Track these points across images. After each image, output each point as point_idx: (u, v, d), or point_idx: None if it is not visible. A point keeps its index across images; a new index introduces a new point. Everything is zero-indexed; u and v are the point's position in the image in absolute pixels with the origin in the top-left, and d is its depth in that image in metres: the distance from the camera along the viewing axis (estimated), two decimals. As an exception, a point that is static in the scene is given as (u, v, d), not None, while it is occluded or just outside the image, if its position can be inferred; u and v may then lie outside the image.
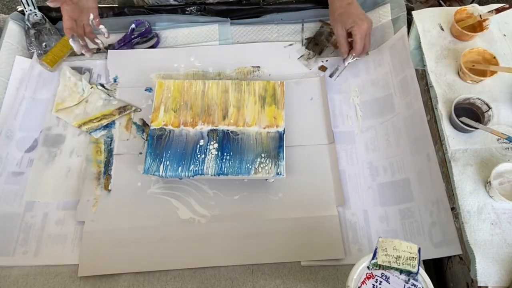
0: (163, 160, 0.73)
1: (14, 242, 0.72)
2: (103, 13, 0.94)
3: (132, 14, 0.95)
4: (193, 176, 0.73)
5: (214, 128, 0.77)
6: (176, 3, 0.97)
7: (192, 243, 0.72)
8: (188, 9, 0.95)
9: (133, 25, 0.92)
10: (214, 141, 0.75)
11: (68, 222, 0.74)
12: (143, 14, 0.94)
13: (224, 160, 0.73)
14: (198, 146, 0.75)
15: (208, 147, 0.75)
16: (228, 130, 0.77)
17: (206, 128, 0.77)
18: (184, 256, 0.71)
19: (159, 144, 0.75)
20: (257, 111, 0.79)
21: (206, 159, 0.73)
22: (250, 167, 0.73)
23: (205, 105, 0.79)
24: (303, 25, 0.95)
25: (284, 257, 0.70)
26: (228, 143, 0.75)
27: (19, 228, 0.73)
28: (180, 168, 0.73)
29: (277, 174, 0.72)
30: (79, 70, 0.90)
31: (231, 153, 0.74)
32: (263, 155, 0.74)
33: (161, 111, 0.78)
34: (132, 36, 0.92)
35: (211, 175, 0.72)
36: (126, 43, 0.92)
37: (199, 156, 0.74)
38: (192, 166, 0.73)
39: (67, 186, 0.77)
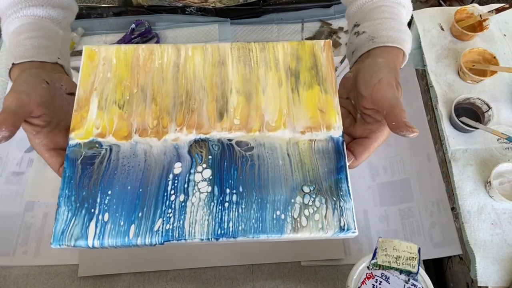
0: (97, 211, 0.39)
1: (14, 242, 0.72)
2: (103, 13, 0.94)
3: (132, 14, 0.95)
4: (161, 244, 0.39)
5: (203, 136, 0.43)
6: (172, 4, 0.97)
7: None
8: (188, 9, 0.95)
9: (133, 25, 0.92)
10: (204, 165, 0.41)
11: (68, 222, 0.74)
12: (143, 14, 0.94)
13: (226, 205, 0.39)
14: (171, 176, 0.40)
15: (190, 177, 0.40)
16: (231, 140, 0.43)
17: (186, 137, 0.43)
18: (184, 256, 0.71)
19: (86, 178, 0.40)
20: (285, 100, 0.45)
21: (189, 204, 0.39)
22: (282, 217, 0.39)
23: (181, 92, 0.45)
24: (303, 25, 0.95)
25: (284, 257, 0.70)
26: (232, 168, 0.41)
27: (19, 228, 0.73)
28: (133, 227, 0.38)
29: (342, 229, 0.39)
30: (79, 70, 0.89)
31: (241, 189, 0.40)
32: (306, 188, 0.40)
33: (91, 106, 0.44)
34: (132, 36, 0.92)
35: (201, 239, 0.38)
36: (126, 43, 0.92)
37: (173, 198, 0.39)
38: (160, 221, 0.39)
39: (67, 186, 0.77)
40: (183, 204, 0.39)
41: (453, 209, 0.68)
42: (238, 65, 0.46)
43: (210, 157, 0.41)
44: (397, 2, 0.52)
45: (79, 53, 0.91)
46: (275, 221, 0.39)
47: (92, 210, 0.39)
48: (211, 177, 0.40)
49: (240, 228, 0.38)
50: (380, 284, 0.51)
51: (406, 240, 0.53)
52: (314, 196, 0.40)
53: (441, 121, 0.71)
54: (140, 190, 0.40)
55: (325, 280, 0.69)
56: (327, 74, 0.46)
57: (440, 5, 1.14)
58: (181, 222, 0.38)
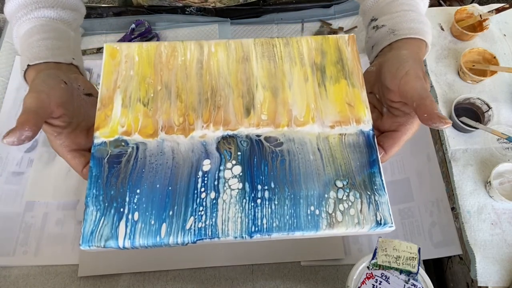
0: (126, 210, 0.38)
1: (14, 242, 0.72)
2: (103, 13, 0.94)
3: (132, 14, 0.95)
4: (194, 242, 0.38)
5: (231, 133, 0.42)
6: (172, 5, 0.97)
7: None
8: (188, 9, 0.95)
9: (133, 25, 0.92)
10: (234, 161, 0.41)
11: (68, 222, 0.74)
12: (143, 14, 0.94)
13: (258, 201, 0.39)
14: (200, 173, 0.40)
15: (220, 174, 0.40)
16: (259, 136, 0.42)
17: (213, 134, 0.42)
18: (184, 256, 0.71)
19: (114, 177, 0.40)
20: (312, 95, 0.44)
21: (220, 201, 0.39)
22: (317, 212, 0.38)
23: (206, 88, 0.44)
24: (303, 25, 0.95)
25: (284, 257, 0.70)
26: (263, 164, 0.40)
27: (19, 228, 0.73)
28: (164, 226, 0.37)
29: (378, 223, 0.39)
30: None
31: (272, 185, 0.39)
32: (339, 183, 0.40)
33: (115, 105, 0.43)
34: (132, 36, 0.92)
35: (235, 237, 0.37)
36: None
37: (203, 196, 0.39)
38: (191, 220, 0.38)
39: (67, 186, 0.77)
40: (214, 201, 0.38)
41: (453, 209, 0.68)
42: (263, 61, 0.46)
43: (239, 153, 0.41)
44: None
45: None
46: (309, 217, 0.38)
47: (122, 210, 0.38)
48: (241, 174, 0.40)
49: (274, 224, 0.38)
50: (380, 284, 0.51)
51: (406, 240, 0.53)
52: (348, 191, 0.39)
53: (441, 121, 0.71)
54: (170, 188, 0.39)
55: (325, 280, 0.69)
56: (353, 68, 0.46)
57: (440, 5, 1.14)
58: (214, 220, 0.38)
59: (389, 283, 0.51)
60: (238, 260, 0.70)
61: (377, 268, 0.52)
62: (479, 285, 0.60)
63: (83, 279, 0.69)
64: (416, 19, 0.48)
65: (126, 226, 0.37)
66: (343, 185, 0.40)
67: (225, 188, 0.39)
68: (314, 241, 0.71)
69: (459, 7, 0.79)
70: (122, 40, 0.92)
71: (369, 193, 0.39)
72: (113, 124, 0.42)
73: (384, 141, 0.44)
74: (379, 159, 0.42)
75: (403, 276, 0.52)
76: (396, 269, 0.52)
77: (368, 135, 0.42)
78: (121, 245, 0.37)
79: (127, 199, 0.38)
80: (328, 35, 0.48)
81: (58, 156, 0.79)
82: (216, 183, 0.39)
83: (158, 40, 0.93)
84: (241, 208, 0.38)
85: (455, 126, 0.70)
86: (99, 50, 0.92)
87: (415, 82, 0.41)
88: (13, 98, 0.84)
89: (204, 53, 0.46)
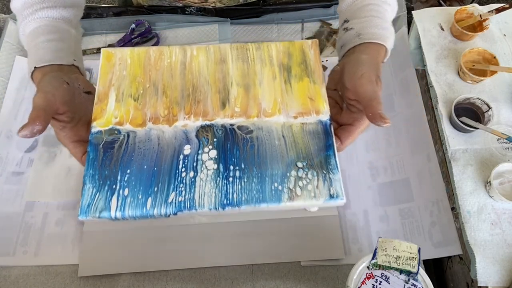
0: (118, 187, 0.44)
1: (14, 242, 0.72)
2: (103, 13, 0.94)
3: (132, 14, 0.95)
4: (175, 214, 0.44)
5: (208, 122, 0.49)
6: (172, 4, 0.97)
7: (192, 243, 0.72)
8: (188, 9, 0.95)
9: (133, 25, 0.92)
10: (210, 146, 0.47)
11: (68, 222, 0.74)
12: (143, 14, 0.94)
13: (230, 179, 0.45)
14: (182, 156, 0.46)
15: (199, 156, 0.46)
16: (232, 125, 0.49)
17: (193, 124, 0.49)
18: (184, 256, 0.71)
19: (108, 159, 0.46)
20: (279, 91, 0.51)
21: (198, 179, 0.45)
22: (280, 188, 0.45)
23: (188, 85, 0.51)
24: (303, 25, 0.95)
25: (284, 257, 0.70)
26: (235, 149, 0.47)
27: (19, 228, 0.73)
28: (149, 200, 0.44)
29: (331, 197, 0.45)
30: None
31: (243, 165, 0.46)
32: (300, 164, 0.46)
33: (110, 100, 0.50)
34: (132, 36, 0.92)
35: (209, 209, 0.44)
36: (126, 43, 0.92)
37: (184, 175, 0.45)
38: (173, 194, 0.44)
39: (67, 186, 0.77)
40: (192, 179, 0.45)
41: (453, 209, 0.68)
42: (237, 62, 0.53)
43: (215, 139, 0.47)
44: (383, 0, 0.57)
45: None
46: (273, 192, 0.44)
47: (114, 186, 0.45)
48: (216, 157, 0.46)
49: (243, 198, 0.44)
50: (380, 284, 0.51)
51: (406, 240, 0.53)
52: (306, 170, 0.46)
53: (441, 121, 0.71)
54: (155, 168, 0.46)
55: (325, 280, 0.69)
56: (315, 68, 0.53)
57: (440, 5, 1.14)
58: (192, 194, 0.44)
59: (389, 283, 0.51)
60: (238, 260, 0.70)
61: (377, 268, 0.52)
62: (479, 285, 0.60)
63: (83, 279, 0.69)
64: (380, 25, 0.54)
65: (118, 200, 0.44)
66: (303, 165, 0.46)
67: (202, 169, 0.45)
68: (314, 241, 0.71)
69: (459, 7, 0.79)
70: (122, 40, 0.92)
71: (324, 172, 0.46)
72: (108, 116, 0.49)
73: (341, 133, 0.51)
74: (335, 144, 0.48)
75: (403, 276, 0.52)
76: (396, 269, 0.52)
77: (325, 124, 0.49)
78: (113, 216, 0.44)
79: (119, 177, 0.45)
80: (295, 41, 0.56)
81: (58, 156, 0.80)
82: (194, 164, 0.46)
83: (158, 40, 0.93)
84: (215, 185, 0.45)
85: (455, 126, 0.70)
86: (99, 50, 0.92)
87: (367, 85, 0.47)
88: (13, 98, 0.84)
89: (187, 56, 0.53)
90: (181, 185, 0.44)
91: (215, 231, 0.73)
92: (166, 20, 0.94)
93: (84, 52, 0.92)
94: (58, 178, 0.78)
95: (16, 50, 0.90)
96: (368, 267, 0.53)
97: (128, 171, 0.45)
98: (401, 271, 0.52)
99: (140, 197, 0.44)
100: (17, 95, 0.85)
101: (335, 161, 0.47)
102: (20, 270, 0.70)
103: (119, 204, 0.44)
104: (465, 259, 0.65)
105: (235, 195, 0.44)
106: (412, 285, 0.51)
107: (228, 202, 0.44)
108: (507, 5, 0.74)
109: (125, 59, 0.53)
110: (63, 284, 0.69)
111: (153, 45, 0.92)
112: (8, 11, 1.72)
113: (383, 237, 0.53)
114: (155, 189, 0.44)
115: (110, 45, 0.92)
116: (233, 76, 0.52)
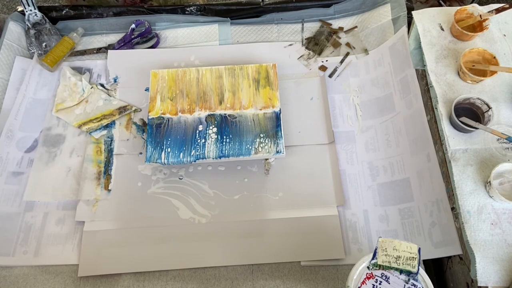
0: (164, 147, 0.76)
1: (14, 242, 0.72)
2: (103, 13, 0.94)
3: (132, 14, 0.95)
4: (195, 161, 0.75)
5: (212, 113, 0.79)
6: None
7: (192, 243, 0.72)
8: (188, 9, 0.95)
9: (133, 25, 0.92)
10: (213, 126, 0.78)
11: (68, 222, 0.74)
12: (143, 14, 0.94)
13: (224, 143, 0.76)
14: (198, 131, 0.77)
15: (207, 131, 0.77)
16: (225, 114, 0.79)
17: (203, 113, 0.79)
18: (184, 256, 0.71)
19: (158, 133, 0.77)
20: (252, 94, 0.81)
21: (207, 143, 0.76)
22: (250, 147, 0.76)
23: (200, 91, 0.82)
24: (303, 25, 0.95)
25: (284, 257, 0.70)
26: (226, 127, 0.78)
27: (19, 228, 0.73)
28: (181, 154, 0.75)
29: (277, 152, 0.75)
30: (79, 70, 0.90)
31: (231, 136, 0.77)
32: (261, 135, 0.77)
33: (157, 100, 0.81)
34: (132, 36, 0.92)
35: (213, 158, 0.75)
36: (126, 43, 0.92)
37: (199, 141, 0.76)
38: (193, 151, 0.75)
39: (67, 186, 0.77)
40: (203, 143, 0.77)
41: (453, 209, 0.68)
42: (229, 77, 0.84)
43: (216, 122, 0.79)
44: None
45: (80, 53, 0.92)
46: (246, 150, 0.76)
47: (162, 147, 0.76)
48: (216, 131, 0.78)
49: (230, 153, 0.75)
50: (380, 284, 0.51)
51: (406, 240, 0.53)
52: (265, 138, 0.77)
53: (441, 121, 0.71)
54: (184, 138, 0.77)
55: (325, 280, 0.69)
56: (273, 80, 0.83)
57: (440, 5, 1.14)
58: (203, 151, 0.76)
59: (389, 283, 0.51)
60: (238, 260, 0.70)
61: (377, 268, 0.52)
62: (479, 285, 0.60)
63: (83, 279, 0.69)
64: None
65: (165, 154, 0.75)
66: (263, 135, 0.77)
67: (208, 138, 0.77)
68: (314, 241, 0.71)
69: (459, 7, 0.79)
70: (122, 40, 0.92)
71: (274, 139, 0.77)
72: (157, 109, 0.80)
73: None
74: (282, 124, 0.78)
75: (403, 276, 0.52)
76: (396, 269, 0.52)
77: (277, 113, 0.79)
78: (163, 162, 0.75)
79: (164, 142, 0.77)
80: (262, 64, 0.84)
81: (58, 156, 0.80)
82: (205, 135, 0.77)
83: (158, 40, 0.93)
84: (215, 146, 0.76)
85: (455, 126, 0.70)
86: (99, 50, 0.92)
87: None
88: (13, 98, 0.84)
89: (200, 74, 0.84)
90: (197, 146, 0.76)
91: (215, 231, 0.73)
92: (166, 20, 0.94)
93: (84, 52, 0.92)
94: (58, 178, 0.78)
95: (16, 50, 0.90)
96: (368, 267, 0.53)
97: (169, 139, 0.77)
98: (401, 271, 0.52)
99: (176, 152, 0.76)
100: (17, 95, 0.85)
101: (281, 133, 0.77)
102: (20, 270, 0.70)
103: (165, 156, 0.75)
104: (465, 259, 0.65)
105: (226, 152, 0.75)
106: (412, 285, 0.51)
107: (222, 154, 0.75)
108: (507, 5, 0.74)
109: (164, 76, 0.83)
110: (63, 284, 0.69)
111: (153, 45, 0.92)
112: (8, 11, 1.72)
113: (383, 237, 0.53)
114: (184, 148, 0.76)
115: (110, 45, 0.92)
116: (226, 85, 0.83)
